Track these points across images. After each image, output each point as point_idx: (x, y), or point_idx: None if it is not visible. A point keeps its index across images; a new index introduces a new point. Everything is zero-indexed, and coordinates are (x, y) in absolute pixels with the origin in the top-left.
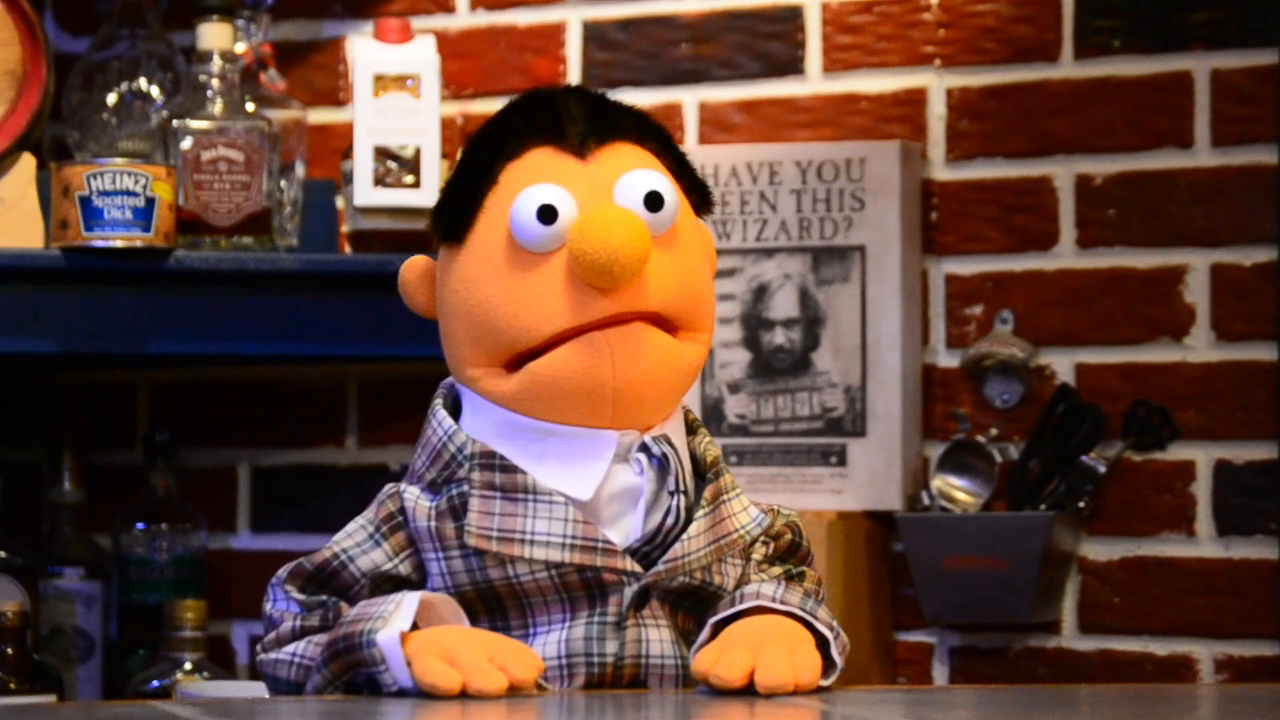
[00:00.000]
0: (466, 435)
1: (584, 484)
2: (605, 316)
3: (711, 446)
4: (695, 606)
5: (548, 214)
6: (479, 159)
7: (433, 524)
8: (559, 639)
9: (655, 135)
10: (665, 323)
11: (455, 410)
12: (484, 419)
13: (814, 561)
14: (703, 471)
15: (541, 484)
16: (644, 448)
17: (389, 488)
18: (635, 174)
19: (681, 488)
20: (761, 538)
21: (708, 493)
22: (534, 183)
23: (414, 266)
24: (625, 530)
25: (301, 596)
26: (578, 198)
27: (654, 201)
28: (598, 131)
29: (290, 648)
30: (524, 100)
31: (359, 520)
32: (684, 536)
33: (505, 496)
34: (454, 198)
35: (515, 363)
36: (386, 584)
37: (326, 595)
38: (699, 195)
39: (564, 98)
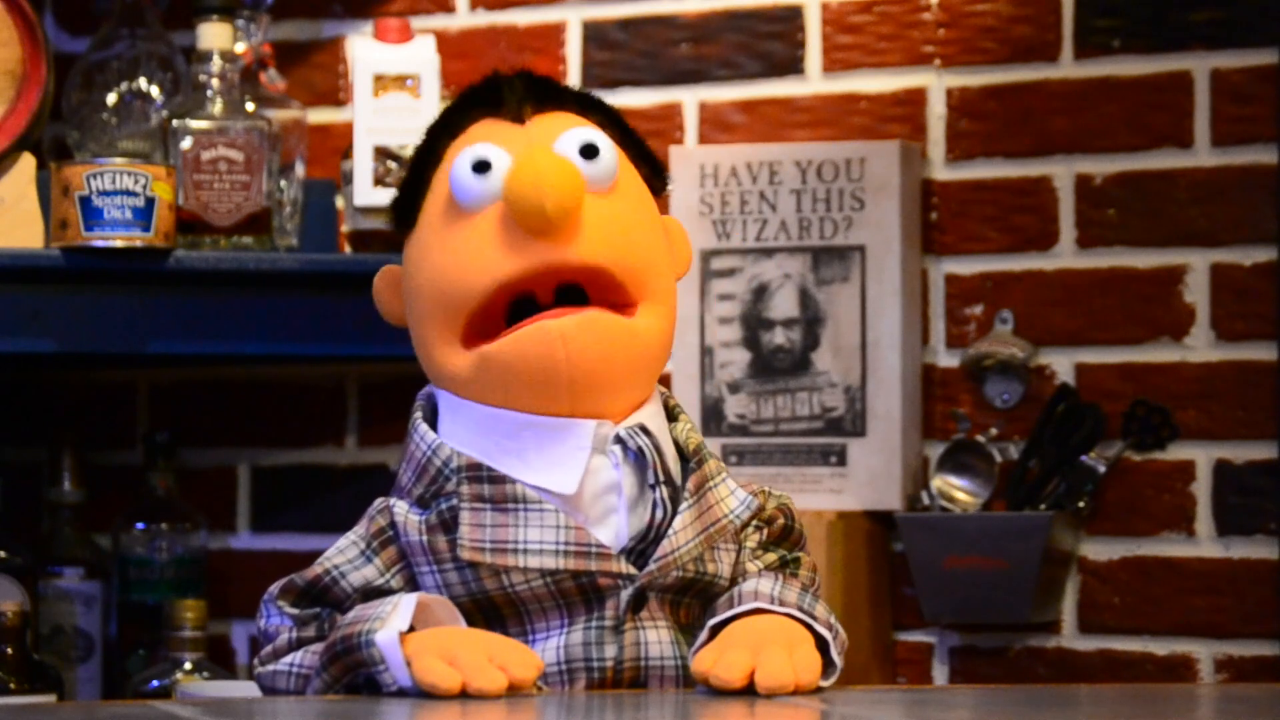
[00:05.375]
0: (451, 449)
1: (567, 476)
2: (545, 264)
3: (693, 434)
4: (695, 599)
5: (482, 166)
6: (426, 144)
7: (424, 538)
8: (557, 645)
9: (599, 109)
10: (616, 290)
11: (433, 420)
12: (462, 419)
13: (806, 544)
14: (686, 459)
15: (530, 492)
16: (619, 440)
17: (379, 502)
18: (573, 130)
19: (661, 479)
20: (754, 522)
21: (691, 483)
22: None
23: (385, 274)
24: (614, 529)
25: (295, 611)
26: (514, 153)
27: (589, 151)
28: (536, 98)
29: (288, 659)
30: (470, 86)
31: (350, 536)
32: (670, 531)
33: (495, 507)
34: (405, 186)
35: (470, 336)
36: (378, 600)
37: (319, 609)
38: (650, 169)
39: (505, 76)
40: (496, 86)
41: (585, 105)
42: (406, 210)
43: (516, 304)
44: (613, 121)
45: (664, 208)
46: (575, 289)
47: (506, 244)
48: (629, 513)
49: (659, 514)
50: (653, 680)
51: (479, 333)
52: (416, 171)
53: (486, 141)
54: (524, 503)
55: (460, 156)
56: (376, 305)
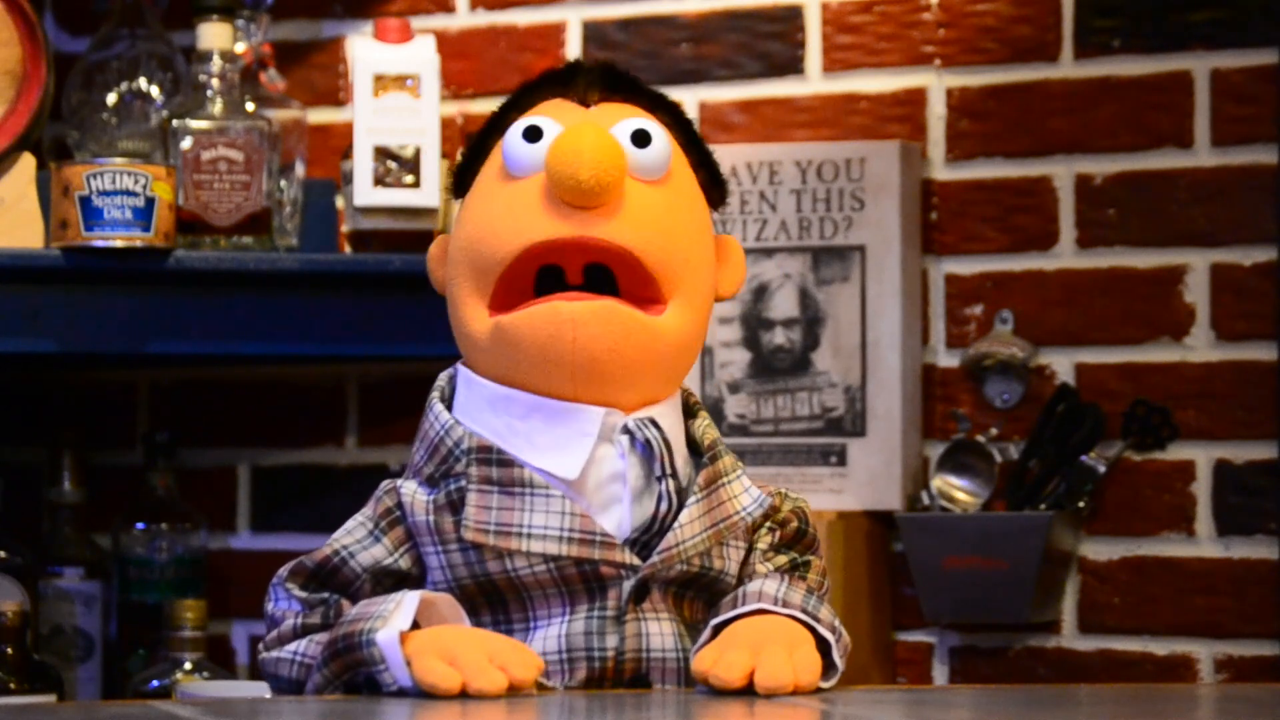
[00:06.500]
0: (464, 430)
1: (570, 461)
2: (575, 235)
3: (710, 429)
4: (699, 594)
5: (533, 133)
6: (495, 117)
7: (431, 518)
8: (559, 633)
9: (669, 110)
10: (647, 282)
11: (452, 400)
12: (476, 396)
13: (819, 548)
14: (701, 455)
15: (538, 477)
16: (627, 430)
17: (386, 484)
18: (632, 119)
19: (668, 471)
20: (767, 524)
21: (701, 478)
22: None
23: (437, 243)
24: (617, 519)
25: (303, 594)
26: (568, 126)
27: (641, 138)
28: (606, 86)
29: (291, 646)
30: (550, 68)
31: (357, 517)
32: (676, 525)
33: (503, 490)
34: (468, 155)
35: (497, 302)
36: (387, 579)
37: (328, 593)
38: (708, 174)
39: (584, 62)
40: (573, 70)
41: (655, 103)
42: (465, 174)
43: (546, 279)
44: (680, 124)
45: None
46: (606, 274)
47: (541, 210)
48: (633, 503)
49: (663, 507)
50: (654, 673)
51: (505, 301)
52: (480, 140)
53: (546, 115)
54: (531, 487)
55: (515, 125)
56: (429, 274)
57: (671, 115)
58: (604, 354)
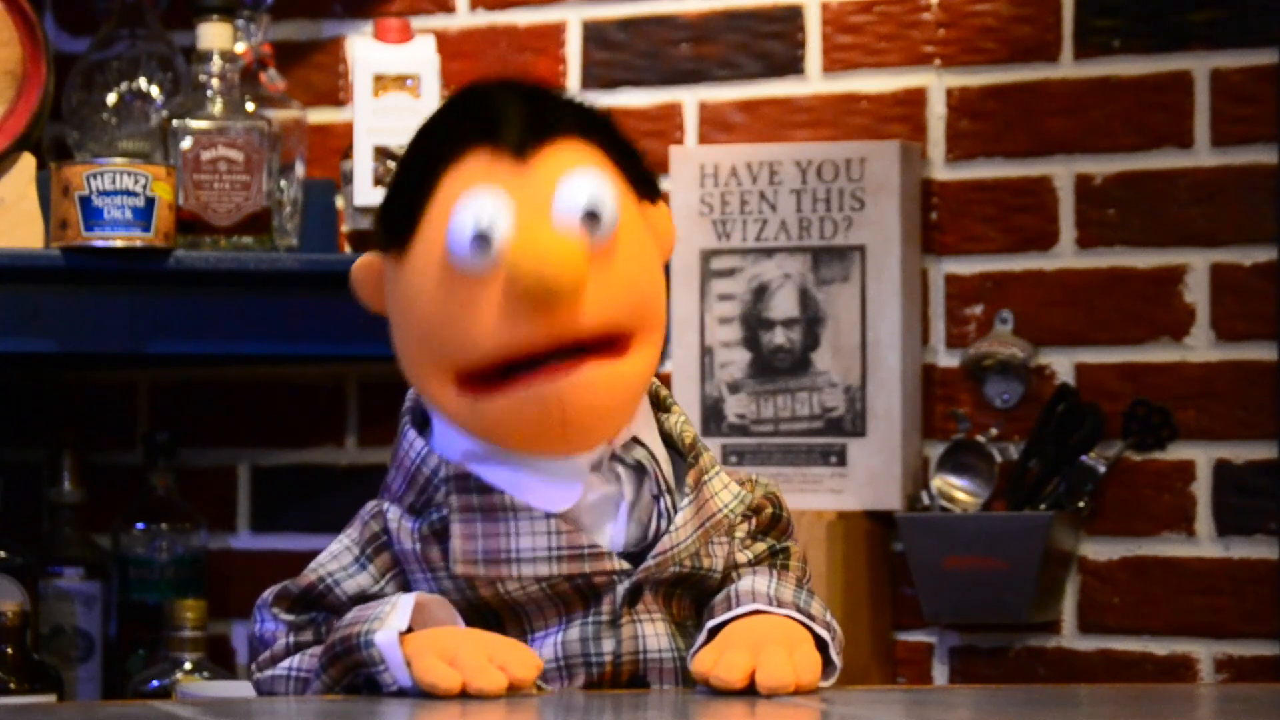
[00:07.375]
0: (439, 458)
1: (564, 498)
2: (548, 337)
3: (687, 427)
4: (688, 592)
5: (482, 239)
6: (419, 163)
7: (417, 547)
8: (555, 641)
9: (597, 129)
10: (612, 336)
11: (423, 421)
12: (455, 439)
13: (794, 532)
14: (681, 451)
15: (519, 500)
16: (615, 457)
17: (371, 506)
18: (575, 180)
19: (665, 488)
20: (743, 511)
21: (690, 478)
22: (470, 189)
23: (364, 266)
24: (608, 535)
25: (290, 617)
26: (515, 210)
27: (592, 217)
28: (536, 131)
29: (285, 662)
30: (461, 98)
31: (343, 541)
32: (671, 528)
33: (486, 517)
34: (396, 204)
35: (464, 381)
36: (376, 600)
37: (314, 613)
38: (647, 185)
39: (501, 95)
40: (491, 110)
41: (583, 126)
42: (398, 229)
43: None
44: (610, 139)
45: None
46: None
47: (505, 317)
48: (628, 521)
49: (662, 524)
50: (651, 674)
51: (473, 379)
52: (408, 194)
53: (486, 186)
54: (514, 510)
55: (458, 216)
56: (354, 292)
57: (602, 134)
58: (594, 420)
